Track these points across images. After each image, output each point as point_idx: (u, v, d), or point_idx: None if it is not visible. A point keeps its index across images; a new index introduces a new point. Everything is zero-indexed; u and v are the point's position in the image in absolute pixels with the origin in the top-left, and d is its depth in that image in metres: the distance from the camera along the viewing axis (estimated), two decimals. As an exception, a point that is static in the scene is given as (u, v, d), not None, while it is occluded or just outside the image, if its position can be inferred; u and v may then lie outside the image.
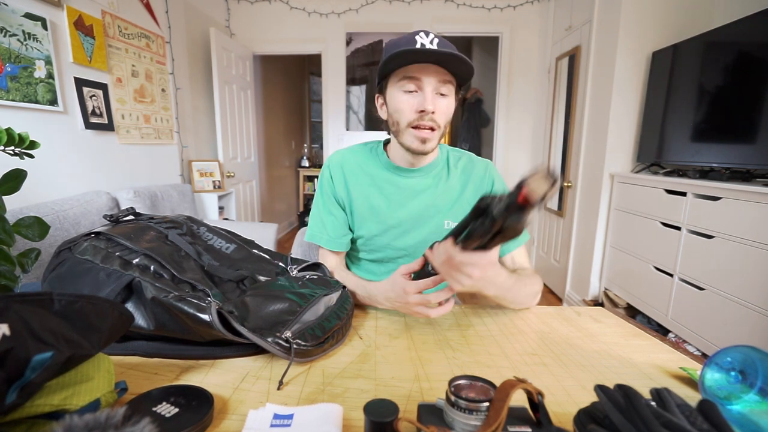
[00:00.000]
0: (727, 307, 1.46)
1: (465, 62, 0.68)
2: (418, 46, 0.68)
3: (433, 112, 0.71)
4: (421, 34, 0.70)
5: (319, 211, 0.86)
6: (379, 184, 0.83)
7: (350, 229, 0.87)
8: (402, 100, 0.73)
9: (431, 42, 0.69)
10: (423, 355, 0.57)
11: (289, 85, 5.01)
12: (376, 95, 0.82)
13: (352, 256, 0.92)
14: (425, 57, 0.69)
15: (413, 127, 0.73)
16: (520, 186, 0.40)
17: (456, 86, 0.75)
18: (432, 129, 0.73)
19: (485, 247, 0.49)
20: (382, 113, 0.80)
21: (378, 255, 0.86)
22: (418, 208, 0.83)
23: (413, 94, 0.72)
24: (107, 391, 0.37)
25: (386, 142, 0.87)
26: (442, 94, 0.72)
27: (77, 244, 0.56)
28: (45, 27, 1.59)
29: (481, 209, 0.45)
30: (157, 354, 0.52)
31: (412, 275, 0.65)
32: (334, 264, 0.85)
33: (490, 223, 0.44)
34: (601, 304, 2.29)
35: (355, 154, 0.87)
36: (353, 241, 0.88)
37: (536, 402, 0.35)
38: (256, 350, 0.54)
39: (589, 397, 0.46)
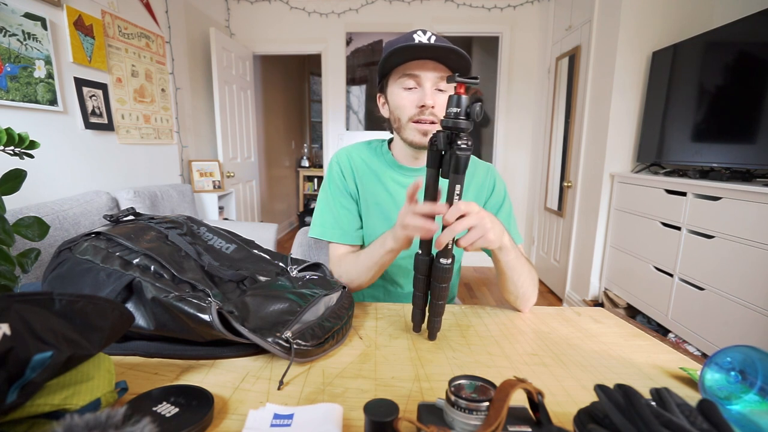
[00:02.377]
0: (727, 307, 1.46)
1: (462, 56, 0.69)
2: (416, 43, 0.70)
3: (432, 107, 0.73)
4: (419, 32, 0.72)
5: (329, 206, 0.84)
6: (384, 182, 0.84)
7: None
8: (402, 96, 0.75)
9: (429, 39, 0.71)
10: (423, 355, 0.57)
11: (289, 85, 5.01)
12: (378, 95, 0.84)
13: None
14: (423, 53, 0.71)
15: (414, 122, 0.75)
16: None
17: None
18: (432, 123, 0.74)
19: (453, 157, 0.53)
20: (384, 112, 0.82)
21: None
22: None
23: (413, 90, 0.74)
24: (107, 391, 0.37)
25: (389, 141, 0.89)
26: (440, 90, 0.74)
27: (77, 244, 0.56)
28: (45, 27, 1.59)
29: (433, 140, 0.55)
30: (158, 354, 0.52)
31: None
32: (347, 250, 0.82)
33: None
34: (601, 304, 2.29)
35: (361, 152, 0.88)
36: None
37: (536, 402, 0.35)
38: (256, 350, 0.54)
39: (589, 397, 0.46)
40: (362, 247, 0.90)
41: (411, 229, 0.59)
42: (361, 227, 0.86)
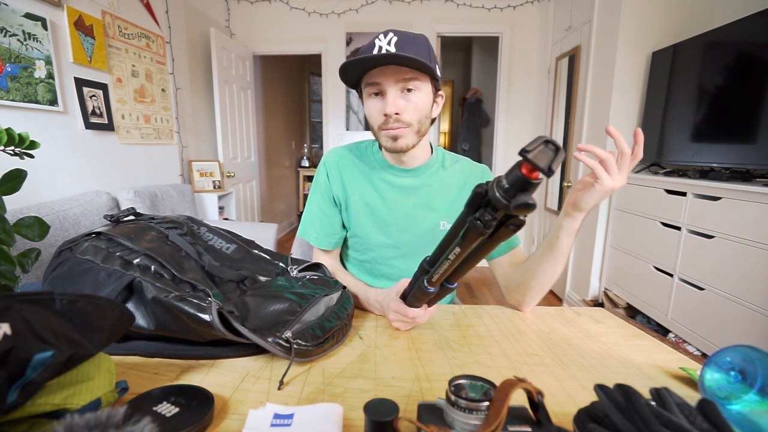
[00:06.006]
0: (727, 307, 1.46)
1: (412, 59, 0.66)
2: (375, 50, 0.69)
3: (396, 113, 0.71)
4: (380, 36, 0.70)
5: (311, 208, 0.88)
6: (375, 182, 0.84)
7: (344, 227, 0.88)
8: (370, 105, 0.75)
9: (389, 42, 0.69)
10: (423, 355, 0.57)
11: (289, 85, 5.01)
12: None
13: (348, 256, 0.92)
14: (373, 62, 0.69)
15: (384, 129, 0.74)
16: (519, 162, 0.36)
17: (430, 78, 0.74)
18: (400, 128, 0.73)
19: (491, 237, 0.44)
20: None
21: (372, 254, 0.87)
22: (413, 206, 0.83)
23: (378, 98, 0.74)
24: (108, 391, 0.37)
25: None
26: (408, 90, 0.72)
27: (78, 244, 0.56)
28: (45, 27, 1.59)
29: (480, 196, 0.41)
30: (158, 354, 0.52)
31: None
32: (329, 265, 0.85)
33: (492, 210, 0.39)
34: (601, 304, 2.29)
35: (351, 152, 0.88)
36: (347, 240, 0.89)
37: (536, 401, 0.35)
38: (256, 350, 0.54)
39: (589, 397, 0.46)
40: (346, 251, 0.91)
41: (397, 325, 0.66)
42: (339, 231, 0.87)
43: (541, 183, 0.37)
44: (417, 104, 0.73)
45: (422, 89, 0.73)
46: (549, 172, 0.34)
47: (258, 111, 3.79)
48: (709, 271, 1.55)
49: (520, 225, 0.41)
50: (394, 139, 0.74)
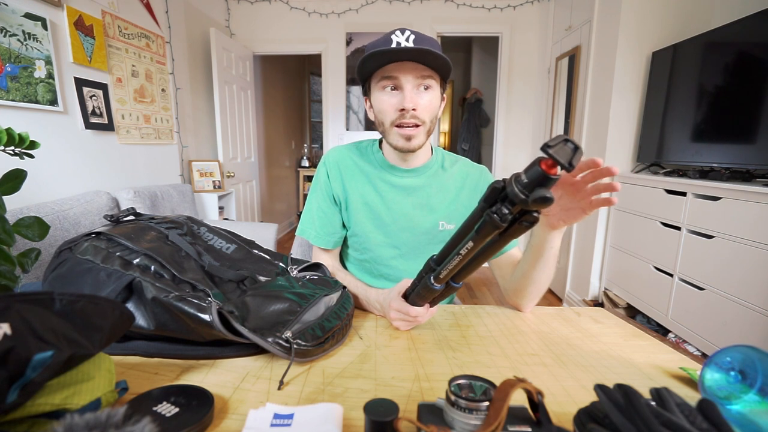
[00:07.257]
0: (727, 307, 1.46)
1: (438, 57, 0.67)
2: (393, 45, 0.68)
3: (414, 109, 0.71)
4: (397, 32, 0.70)
5: (311, 207, 0.88)
6: (374, 182, 0.84)
7: (344, 226, 0.88)
8: (383, 100, 0.74)
9: (407, 39, 0.69)
10: (423, 355, 0.57)
11: (289, 85, 5.01)
12: (365, 98, 0.82)
13: (348, 255, 0.92)
14: (399, 55, 0.69)
15: (397, 126, 0.74)
16: (539, 158, 0.37)
17: (440, 80, 0.75)
18: (416, 126, 0.73)
19: (504, 233, 0.44)
20: (371, 115, 0.82)
21: (371, 254, 0.87)
22: (412, 207, 0.83)
23: (393, 93, 0.73)
24: (108, 391, 0.37)
25: (381, 141, 0.88)
26: (426, 87, 0.72)
27: (78, 244, 0.56)
28: (45, 27, 1.59)
29: (497, 191, 0.41)
30: (158, 354, 0.52)
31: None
32: (329, 264, 0.85)
33: (510, 204, 0.40)
34: (601, 304, 2.29)
35: (351, 152, 0.88)
36: (347, 239, 0.89)
37: (536, 401, 0.35)
38: (256, 350, 0.54)
39: (589, 397, 0.46)
40: (346, 250, 0.92)
41: (397, 324, 0.66)
42: (339, 231, 0.87)
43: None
44: (431, 102, 0.73)
45: (435, 89, 0.74)
46: (569, 167, 0.35)
47: (258, 111, 3.79)
48: (709, 271, 1.55)
49: (534, 222, 0.42)
50: (408, 138, 0.74)
